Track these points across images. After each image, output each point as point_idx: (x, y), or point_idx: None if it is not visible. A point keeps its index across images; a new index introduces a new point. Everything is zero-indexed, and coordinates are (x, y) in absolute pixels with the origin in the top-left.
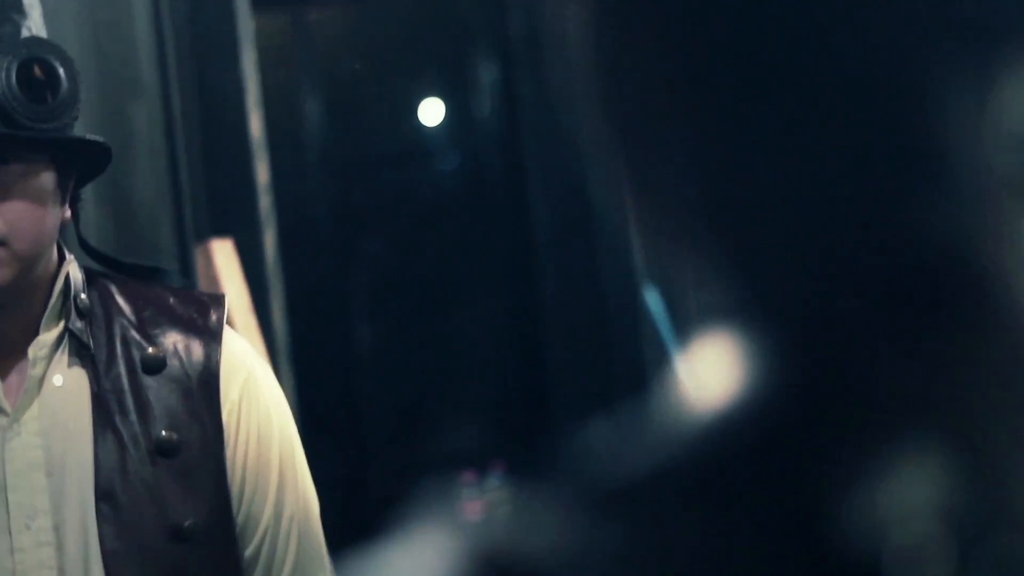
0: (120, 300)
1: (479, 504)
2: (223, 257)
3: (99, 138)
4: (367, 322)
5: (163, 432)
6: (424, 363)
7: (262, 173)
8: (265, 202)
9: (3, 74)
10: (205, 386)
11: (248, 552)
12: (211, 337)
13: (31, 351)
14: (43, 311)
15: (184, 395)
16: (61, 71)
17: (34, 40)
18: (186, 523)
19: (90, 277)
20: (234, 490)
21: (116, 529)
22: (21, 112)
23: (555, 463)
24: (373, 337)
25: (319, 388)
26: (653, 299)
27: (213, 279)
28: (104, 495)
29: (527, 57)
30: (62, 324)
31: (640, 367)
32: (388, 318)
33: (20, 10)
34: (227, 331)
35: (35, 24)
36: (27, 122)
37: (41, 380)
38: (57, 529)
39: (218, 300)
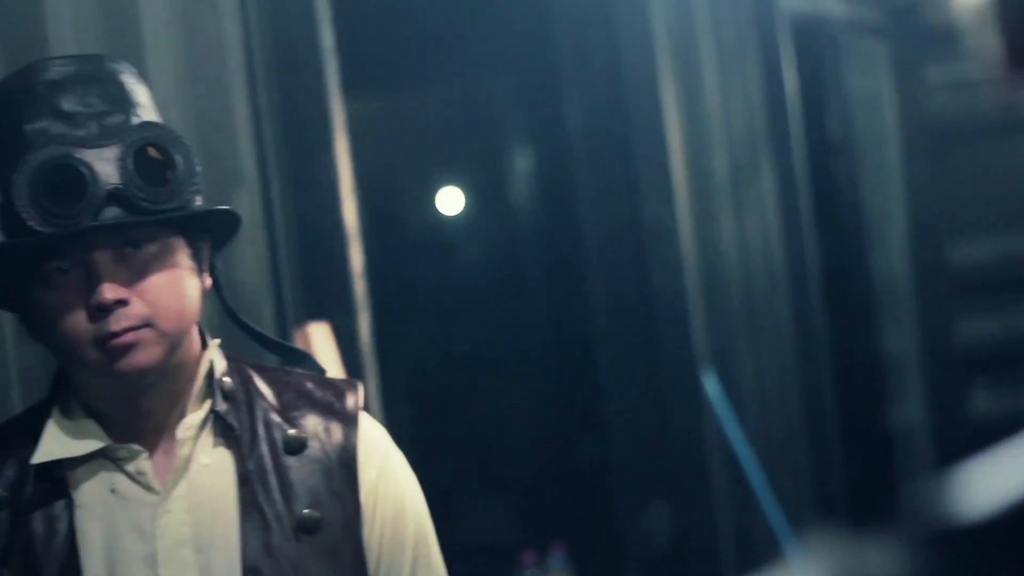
0: (260, 384)
1: None
2: (321, 340)
3: (224, 207)
4: (409, 407)
5: (306, 511)
6: (480, 444)
7: (356, 258)
8: (359, 286)
9: (121, 163)
10: (344, 467)
11: None
12: (349, 420)
13: (179, 432)
14: (189, 392)
15: (325, 475)
16: (174, 149)
17: (145, 125)
18: None
19: (230, 361)
20: (371, 568)
21: None
22: (144, 197)
23: (616, 544)
24: (418, 420)
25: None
26: (711, 380)
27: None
28: (251, 570)
29: (585, 144)
30: (207, 406)
31: (699, 449)
32: (435, 404)
33: (129, 100)
34: (363, 415)
35: (145, 111)
36: (151, 205)
37: (188, 460)
38: None
39: (353, 385)
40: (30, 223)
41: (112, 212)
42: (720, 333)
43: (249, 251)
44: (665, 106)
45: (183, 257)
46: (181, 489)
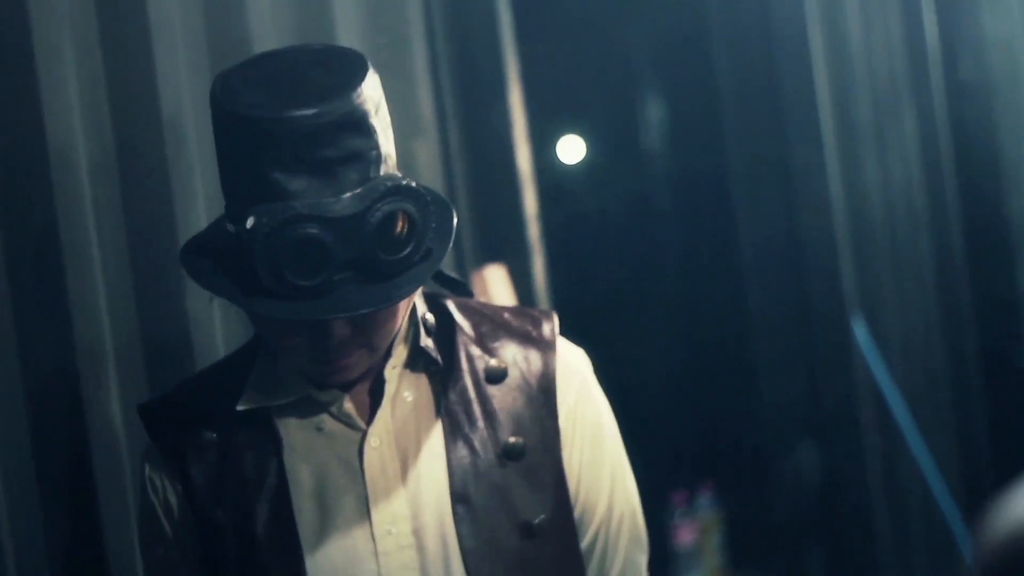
0: (458, 317)
1: (690, 527)
2: (497, 282)
3: (458, 281)
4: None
5: (510, 438)
6: (632, 386)
7: (530, 202)
8: (533, 230)
9: (365, 230)
10: (544, 392)
11: (584, 543)
12: (547, 347)
13: (387, 372)
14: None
15: (526, 402)
16: (418, 216)
17: (396, 190)
18: (535, 520)
19: (428, 298)
20: (572, 487)
21: (473, 529)
22: (385, 265)
23: (764, 485)
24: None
25: None
26: (860, 326)
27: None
28: (459, 498)
29: (734, 89)
30: (410, 343)
31: (848, 388)
32: (606, 338)
33: (378, 148)
34: (560, 341)
35: (389, 160)
36: (388, 270)
37: (393, 397)
38: (416, 532)
39: (548, 314)
40: (265, 284)
41: (346, 279)
42: (866, 275)
43: None
44: (813, 49)
45: (404, 302)
46: (385, 424)
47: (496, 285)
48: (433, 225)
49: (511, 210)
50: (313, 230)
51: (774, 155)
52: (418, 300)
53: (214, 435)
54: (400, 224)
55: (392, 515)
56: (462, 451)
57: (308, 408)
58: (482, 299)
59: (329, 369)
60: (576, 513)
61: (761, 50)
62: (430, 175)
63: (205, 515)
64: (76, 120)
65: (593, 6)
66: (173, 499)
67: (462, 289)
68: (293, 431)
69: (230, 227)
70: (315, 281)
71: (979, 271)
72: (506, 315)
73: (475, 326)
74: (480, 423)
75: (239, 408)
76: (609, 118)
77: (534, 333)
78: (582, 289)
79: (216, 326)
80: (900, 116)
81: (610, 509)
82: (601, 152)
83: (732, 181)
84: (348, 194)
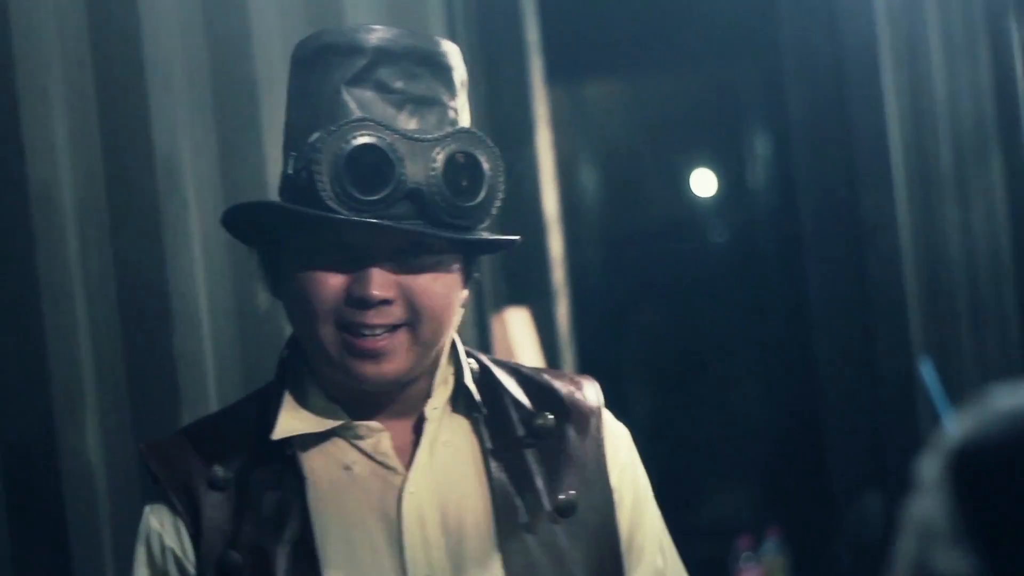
0: (496, 371)
1: (756, 571)
2: (518, 325)
3: (515, 238)
4: (640, 389)
5: (561, 494)
6: (698, 431)
7: (555, 246)
8: (558, 274)
9: (431, 165)
10: (595, 452)
11: None
12: (593, 411)
13: (427, 411)
14: (432, 375)
15: (575, 459)
16: (488, 167)
17: (465, 132)
18: None
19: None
20: (623, 548)
21: None
22: (443, 207)
23: (831, 530)
24: (646, 404)
25: None
26: (928, 369)
27: (508, 346)
28: (511, 555)
29: (805, 133)
30: (451, 384)
31: (914, 437)
32: (662, 385)
33: (452, 93)
34: (603, 408)
35: (462, 112)
36: (447, 218)
37: (433, 440)
38: None
39: (591, 380)
40: (326, 197)
41: (405, 208)
42: (941, 323)
43: None
44: (887, 96)
45: (456, 273)
46: (422, 468)
47: (518, 328)
48: (500, 195)
49: (536, 253)
50: (378, 138)
51: (846, 202)
52: (458, 342)
53: (231, 474)
54: (468, 173)
55: (428, 566)
56: (511, 505)
57: (336, 444)
58: (503, 343)
59: (362, 350)
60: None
61: (834, 96)
62: None
63: (218, 559)
64: (62, 156)
65: (659, 52)
66: (179, 545)
67: (509, 244)
68: (319, 470)
69: (290, 170)
70: (378, 196)
71: None
72: (546, 376)
73: (518, 382)
74: (529, 477)
75: (274, 438)
76: (676, 163)
77: (578, 395)
78: (613, 334)
79: (207, 366)
80: (987, 164)
81: (659, 572)
82: (672, 196)
83: (804, 228)
84: (426, 126)
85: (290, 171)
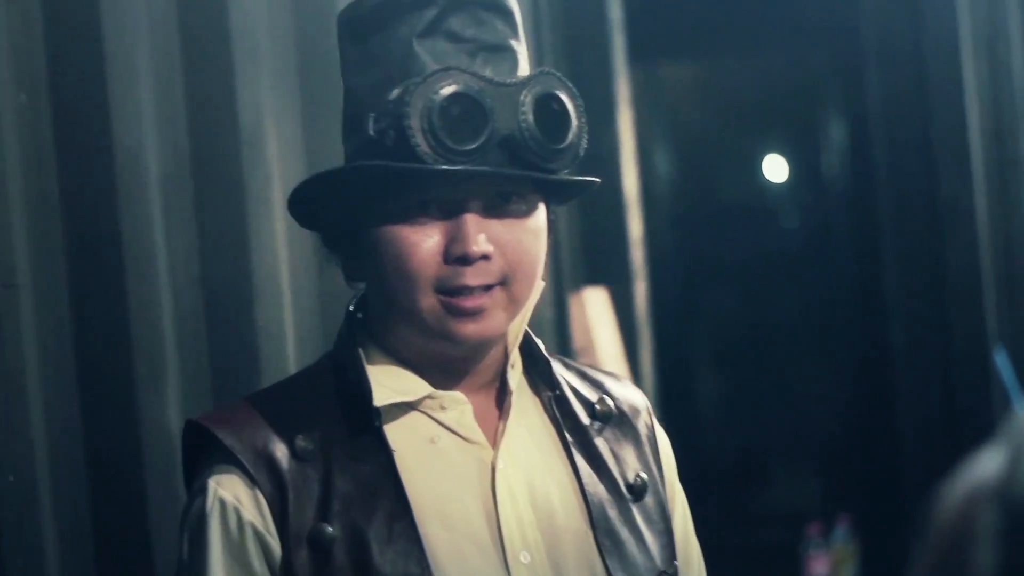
0: (554, 363)
1: (825, 558)
2: (596, 306)
3: (597, 180)
4: (712, 373)
5: (633, 477)
6: (770, 415)
7: (634, 228)
8: (637, 255)
9: (520, 110)
10: (650, 441)
11: None
12: (643, 402)
13: (511, 382)
14: (510, 347)
15: (637, 443)
16: (573, 107)
17: (548, 75)
18: (660, 563)
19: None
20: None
21: (622, 564)
22: (536, 150)
23: (902, 519)
24: (718, 388)
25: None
26: (1003, 358)
27: (586, 326)
28: (604, 531)
29: (884, 119)
30: (521, 364)
31: (989, 425)
32: (735, 370)
33: (519, 38)
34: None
35: (524, 48)
36: (541, 161)
37: (513, 415)
38: (555, 564)
39: (632, 383)
40: (420, 151)
41: (496, 158)
42: (1017, 310)
43: None
44: (967, 82)
45: (542, 217)
46: (511, 448)
47: (595, 308)
48: (586, 135)
49: (615, 234)
50: (467, 86)
51: (923, 188)
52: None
53: (313, 444)
54: (557, 115)
55: (524, 543)
56: (596, 483)
57: (417, 417)
58: (581, 323)
59: (461, 309)
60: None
61: (914, 82)
62: None
63: (311, 533)
64: (148, 127)
65: (739, 36)
66: (260, 519)
67: (593, 184)
68: (403, 442)
69: (371, 131)
70: (474, 144)
71: None
72: (589, 369)
73: (571, 369)
74: (603, 458)
75: (376, 405)
76: (754, 147)
77: (627, 390)
78: (689, 317)
79: (287, 338)
80: None
81: (700, 563)
82: (749, 179)
83: (881, 214)
84: (506, 71)
85: (371, 132)
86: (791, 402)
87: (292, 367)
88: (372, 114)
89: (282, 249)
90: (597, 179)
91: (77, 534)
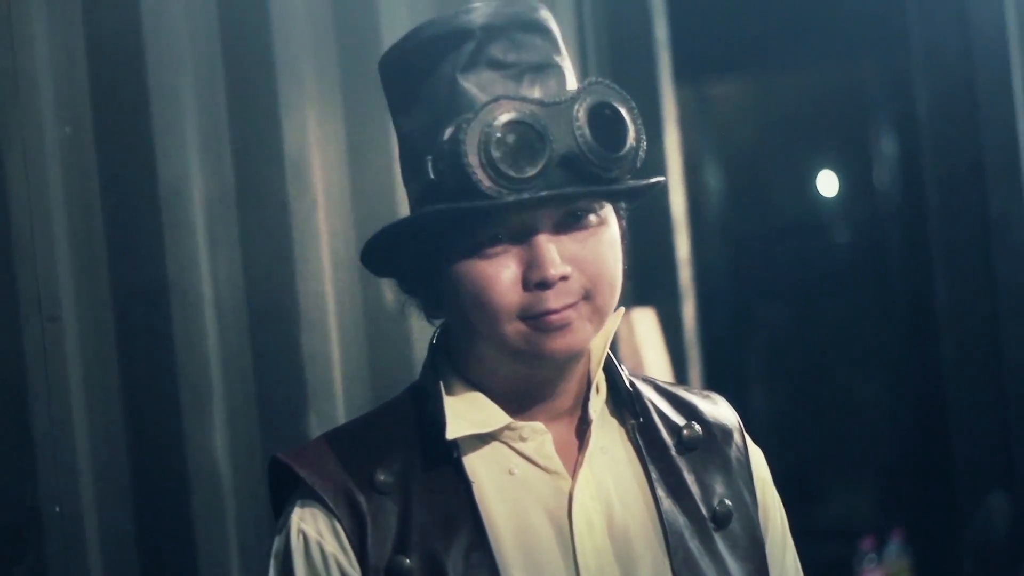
0: (639, 384)
1: (879, 572)
2: (645, 325)
3: (663, 179)
4: (763, 390)
5: (718, 504)
6: (822, 430)
7: (682, 247)
8: (685, 275)
9: (575, 125)
10: (740, 463)
11: None
12: (733, 423)
13: (592, 411)
14: (588, 373)
15: (726, 470)
16: (627, 112)
17: (597, 85)
18: None
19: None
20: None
21: None
22: (597, 163)
23: (956, 533)
24: (769, 405)
25: None
26: None
27: (635, 346)
28: (683, 563)
29: (933, 131)
30: (604, 390)
31: None
32: (787, 386)
33: (560, 52)
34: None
35: (568, 61)
36: (603, 173)
37: (596, 445)
38: None
39: (723, 398)
40: (483, 187)
41: (559, 177)
42: None
43: None
44: (1017, 92)
45: (614, 225)
46: (589, 475)
47: (644, 328)
48: (644, 138)
49: (664, 253)
50: (519, 112)
51: (972, 199)
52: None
53: (392, 477)
54: (613, 123)
55: (601, 573)
56: (675, 513)
57: (496, 448)
58: (629, 343)
59: (548, 324)
60: None
61: (963, 93)
62: None
63: (388, 564)
64: (192, 157)
65: (786, 50)
66: (342, 552)
67: (658, 185)
68: (482, 473)
69: (431, 175)
70: (535, 170)
71: None
72: (681, 390)
73: (658, 393)
74: (685, 486)
75: (449, 438)
76: (802, 162)
77: (717, 410)
78: (738, 335)
79: (333, 365)
80: None
81: None
82: (798, 195)
83: (931, 229)
84: (554, 89)
85: (432, 176)
86: (843, 418)
87: (338, 393)
88: (429, 156)
89: (327, 277)
90: (662, 178)
91: (123, 564)
